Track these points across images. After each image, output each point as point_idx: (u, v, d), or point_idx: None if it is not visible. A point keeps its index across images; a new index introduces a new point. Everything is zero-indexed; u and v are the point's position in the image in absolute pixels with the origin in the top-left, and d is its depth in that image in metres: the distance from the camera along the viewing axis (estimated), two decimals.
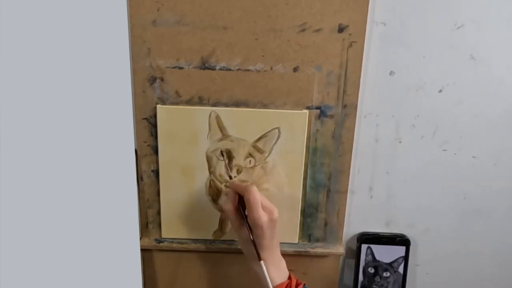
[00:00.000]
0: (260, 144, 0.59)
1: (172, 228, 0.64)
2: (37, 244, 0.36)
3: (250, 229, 0.54)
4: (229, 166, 0.60)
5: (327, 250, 0.64)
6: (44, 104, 0.36)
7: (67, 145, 0.39)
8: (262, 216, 0.52)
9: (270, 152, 0.59)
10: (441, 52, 0.57)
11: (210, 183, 0.61)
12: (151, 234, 0.65)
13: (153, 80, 0.57)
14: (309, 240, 0.65)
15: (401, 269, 0.66)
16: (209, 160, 0.60)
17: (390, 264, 0.66)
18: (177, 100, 0.58)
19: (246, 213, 0.54)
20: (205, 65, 0.56)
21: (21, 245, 0.35)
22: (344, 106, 0.58)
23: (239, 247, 0.58)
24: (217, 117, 0.58)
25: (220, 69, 0.56)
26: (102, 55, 0.43)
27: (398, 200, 0.65)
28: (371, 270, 0.66)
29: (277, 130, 0.58)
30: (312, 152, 0.60)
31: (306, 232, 0.64)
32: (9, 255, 0.33)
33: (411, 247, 0.66)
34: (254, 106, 0.58)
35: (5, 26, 0.31)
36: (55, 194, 0.38)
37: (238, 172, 0.60)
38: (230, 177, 0.59)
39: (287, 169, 0.60)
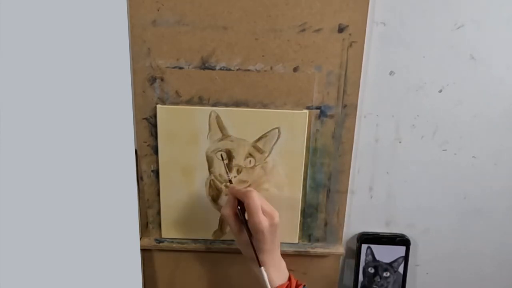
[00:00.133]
0: (260, 144, 0.59)
1: (172, 228, 0.64)
2: (37, 244, 0.36)
3: (250, 233, 0.53)
4: (229, 166, 0.60)
5: (327, 250, 0.64)
6: (44, 104, 0.36)
7: (67, 145, 0.39)
8: (263, 221, 0.51)
9: (270, 152, 0.59)
10: (441, 52, 0.57)
11: (210, 183, 0.61)
12: (151, 234, 0.65)
13: (153, 80, 0.57)
14: (309, 240, 0.65)
15: (401, 269, 0.66)
16: (209, 160, 0.60)
17: (390, 264, 0.66)
18: (177, 100, 0.58)
19: (246, 217, 0.53)
20: (205, 65, 0.56)
21: (21, 245, 0.35)
22: (344, 106, 0.58)
23: (241, 250, 0.58)
24: (217, 117, 0.58)
25: (220, 69, 0.56)
26: (102, 55, 0.43)
27: (398, 200, 0.65)
28: (371, 270, 0.66)
29: (277, 130, 0.58)
30: (312, 152, 0.60)
31: (306, 232, 0.64)
32: (9, 255, 0.33)
33: (411, 247, 0.66)
34: (254, 106, 0.58)
35: (5, 26, 0.31)
36: (55, 194, 0.38)
37: (238, 172, 0.60)
38: (230, 181, 0.59)
39: (287, 169, 0.60)
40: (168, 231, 0.64)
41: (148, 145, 0.60)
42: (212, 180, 0.61)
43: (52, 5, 0.36)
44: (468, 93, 0.59)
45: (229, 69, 0.56)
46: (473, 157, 0.62)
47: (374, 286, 0.67)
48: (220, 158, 0.59)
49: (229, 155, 0.59)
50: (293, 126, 0.58)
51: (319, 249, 0.64)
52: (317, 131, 0.59)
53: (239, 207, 0.54)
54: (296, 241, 0.64)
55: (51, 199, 0.37)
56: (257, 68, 0.56)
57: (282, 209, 0.57)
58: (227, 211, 0.55)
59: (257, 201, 0.52)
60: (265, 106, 0.58)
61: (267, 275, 0.53)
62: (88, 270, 0.42)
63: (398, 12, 0.55)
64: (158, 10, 0.54)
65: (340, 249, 0.65)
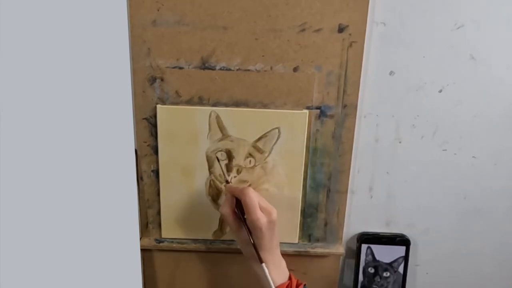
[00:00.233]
0: (260, 144, 0.59)
1: (172, 228, 0.64)
2: (38, 244, 0.36)
3: (249, 231, 0.53)
4: (229, 166, 0.60)
5: (327, 250, 0.64)
6: (44, 104, 0.36)
7: (67, 145, 0.39)
8: (261, 218, 0.52)
9: (270, 152, 0.59)
10: (441, 52, 0.57)
11: (210, 183, 0.61)
12: (151, 234, 0.65)
13: (153, 80, 0.57)
14: (309, 240, 0.65)
15: (401, 269, 0.66)
16: (209, 160, 0.60)
17: (390, 264, 0.66)
18: (177, 100, 0.58)
19: (245, 215, 0.54)
20: (205, 65, 0.56)
21: (21, 245, 0.35)
22: (344, 106, 0.58)
23: (238, 247, 0.58)
24: (217, 117, 0.58)
25: (220, 69, 0.56)
26: (102, 55, 0.43)
27: (398, 200, 0.65)
28: (371, 270, 0.66)
29: (277, 130, 0.58)
30: (312, 152, 0.60)
31: (306, 232, 0.64)
32: (9, 255, 0.33)
33: (411, 247, 0.66)
34: (254, 106, 0.58)
35: (5, 26, 0.31)
36: (55, 194, 0.38)
37: (238, 172, 0.60)
38: (227, 181, 0.59)
39: (287, 169, 0.60)
40: (168, 231, 0.64)
41: (148, 145, 0.60)
42: (212, 180, 0.61)
43: (52, 5, 0.36)
44: (468, 93, 0.59)
45: (229, 69, 0.56)
46: (473, 157, 0.62)
47: (374, 286, 0.67)
48: (220, 159, 0.59)
49: (229, 155, 0.59)
50: (293, 126, 0.58)
51: (319, 249, 0.64)
52: (317, 131, 0.59)
53: (237, 205, 0.55)
54: (296, 241, 0.64)
55: (51, 199, 0.37)
56: (257, 68, 0.56)
57: (282, 209, 0.57)
58: (226, 210, 0.55)
59: (254, 198, 0.52)
60: (265, 106, 0.58)
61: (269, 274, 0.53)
62: (88, 270, 0.42)
63: (398, 12, 0.55)
64: (158, 10, 0.54)
65: (340, 249, 0.65)
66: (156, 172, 0.61)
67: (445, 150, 0.62)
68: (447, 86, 0.59)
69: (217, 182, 0.61)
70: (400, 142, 0.62)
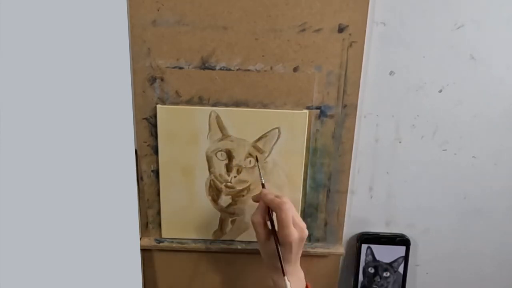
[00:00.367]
0: (260, 144, 0.59)
1: (172, 228, 0.64)
2: (38, 244, 0.36)
3: (278, 242, 0.52)
4: (229, 166, 0.60)
5: (327, 250, 0.64)
6: (44, 104, 0.36)
7: (67, 145, 0.39)
8: (293, 234, 0.51)
9: (270, 152, 0.59)
10: (441, 52, 0.57)
11: (210, 183, 0.61)
12: (151, 234, 0.65)
13: (153, 80, 0.57)
14: (309, 240, 0.65)
15: (401, 269, 0.66)
16: (209, 160, 0.60)
17: (390, 264, 0.66)
18: (177, 100, 0.58)
19: (276, 228, 0.53)
20: (205, 65, 0.56)
21: (21, 245, 0.35)
22: (344, 106, 0.58)
23: (262, 258, 0.56)
24: (217, 117, 0.58)
25: (220, 69, 0.56)
26: (102, 55, 0.43)
27: (398, 200, 0.65)
28: (371, 270, 0.66)
29: (277, 130, 0.58)
30: (312, 152, 0.60)
31: None
32: (9, 254, 0.33)
33: (411, 247, 0.66)
34: (254, 106, 0.58)
35: (5, 26, 0.31)
36: (55, 194, 0.38)
37: (238, 172, 0.60)
38: (263, 185, 0.58)
39: (287, 169, 0.60)
40: (168, 231, 0.64)
41: (148, 145, 0.60)
42: (212, 180, 0.61)
43: (52, 5, 0.36)
44: (468, 93, 0.59)
45: (229, 69, 0.56)
46: (473, 157, 0.62)
47: (374, 286, 0.67)
48: (220, 159, 0.59)
49: (229, 155, 0.59)
50: (293, 126, 0.58)
51: (319, 249, 0.64)
52: (317, 131, 0.59)
53: (269, 216, 0.54)
54: None
55: (51, 199, 0.37)
56: (257, 68, 0.56)
57: None
58: (257, 219, 0.54)
59: (290, 213, 0.51)
60: (265, 106, 0.58)
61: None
62: (88, 270, 0.42)
63: (398, 12, 0.55)
64: (158, 10, 0.54)
65: (340, 249, 0.65)
66: (156, 172, 0.61)
67: (445, 150, 0.62)
68: (447, 86, 0.59)
69: (217, 182, 0.61)
70: (400, 142, 0.62)
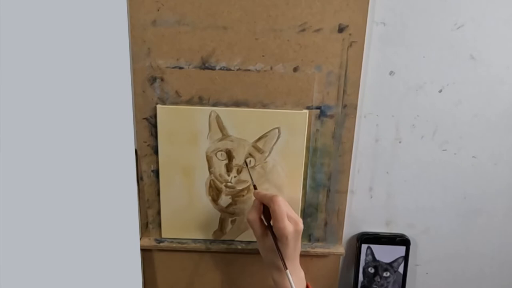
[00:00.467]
0: (260, 144, 0.59)
1: (172, 228, 0.64)
2: (38, 244, 0.36)
3: (275, 238, 0.53)
4: (229, 166, 0.60)
5: (327, 250, 0.64)
6: (44, 104, 0.36)
7: (67, 145, 0.39)
8: (288, 227, 0.51)
9: (270, 152, 0.59)
10: (441, 52, 0.57)
11: (210, 183, 0.61)
12: (151, 234, 0.65)
13: (153, 80, 0.57)
14: (309, 240, 0.65)
15: (401, 269, 0.66)
16: (209, 160, 0.60)
17: (390, 264, 0.66)
18: (177, 100, 0.58)
19: (271, 223, 0.53)
20: (205, 65, 0.56)
21: (21, 245, 0.35)
22: (344, 106, 0.58)
23: (262, 256, 0.57)
24: (217, 117, 0.58)
25: (220, 69, 0.56)
26: (102, 55, 0.43)
27: (398, 200, 0.65)
28: (371, 270, 0.66)
29: (277, 130, 0.58)
30: (312, 152, 0.60)
31: (306, 232, 0.64)
32: (9, 254, 0.33)
33: (411, 247, 0.66)
34: (254, 106, 0.58)
35: (5, 26, 0.31)
36: (55, 194, 0.38)
37: (238, 172, 0.60)
38: (255, 187, 0.58)
39: (287, 169, 0.60)
40: (168, 231, 0.64)
41: (148, 145, 0.60)
42: (212, 180, 0.61)
43: (52, 5, 0.36)
44: (468, 93, 0.59)
45: (229, 69, 0.56)
46: (473, 157, 0.62)
47: (374, 286, 0.67)
48: (220, 159, 0.59)
49: (229, 155, 0.59)
50: (293, 126, 0.58)
51: (319, 249, 0.64)
52: (317, 131, 0.59)
53: (263, 212, 0.54)
54: None
55: (51, 199, 0.37)
56: (257, 68, 0.56)
57: None
58: (253, 216, 0.54)
59: (283, 206, 0.52)
60: (265, 106, 0.58)
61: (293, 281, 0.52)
62: (88, 270, 0.42)
63: (398, 12, 0.55)
64: (158, 10, 0.54)
65: (340, 249, 0.65)
66: (156, 172, 0.61)
67: (445, 150, 0.62)
68: (447, 86, 0.59)
69: (217, 182, 0.61)
70: (400, 142, 0.62)
